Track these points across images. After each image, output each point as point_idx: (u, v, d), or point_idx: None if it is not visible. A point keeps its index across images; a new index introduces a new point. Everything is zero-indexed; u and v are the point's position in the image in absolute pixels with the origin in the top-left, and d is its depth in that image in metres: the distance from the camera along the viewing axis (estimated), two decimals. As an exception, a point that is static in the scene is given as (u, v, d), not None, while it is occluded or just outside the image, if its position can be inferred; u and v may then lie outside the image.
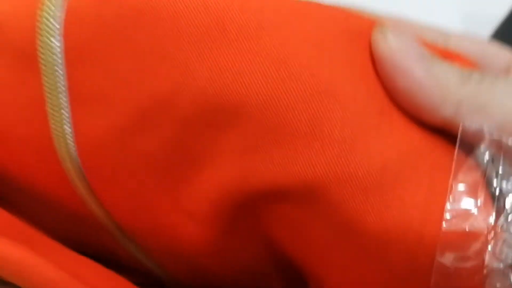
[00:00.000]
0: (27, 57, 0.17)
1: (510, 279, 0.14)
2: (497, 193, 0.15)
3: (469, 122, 0.16)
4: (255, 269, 0.21)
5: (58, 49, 0.17)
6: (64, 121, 0.18)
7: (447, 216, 0.15)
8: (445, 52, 0.18)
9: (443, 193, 0.16)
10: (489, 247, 0.15)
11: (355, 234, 0.16)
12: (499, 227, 0.15)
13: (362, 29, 0.17)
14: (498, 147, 0.16)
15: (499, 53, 0.21)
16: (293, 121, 0.16)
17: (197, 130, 0.17)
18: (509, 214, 0.15)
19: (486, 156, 0.16)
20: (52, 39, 0.17)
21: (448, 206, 0.16)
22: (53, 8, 0.17)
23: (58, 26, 0.17)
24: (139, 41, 0.16)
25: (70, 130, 0.18)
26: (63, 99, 0.18)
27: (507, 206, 0.15)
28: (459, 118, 0.16)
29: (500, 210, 0.15)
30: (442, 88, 0.16)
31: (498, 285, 0.14)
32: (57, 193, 0.20)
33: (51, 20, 0.17)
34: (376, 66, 0.17)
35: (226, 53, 0.16)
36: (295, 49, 0.16)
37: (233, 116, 0.16)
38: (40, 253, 0.18)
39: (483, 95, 0.16)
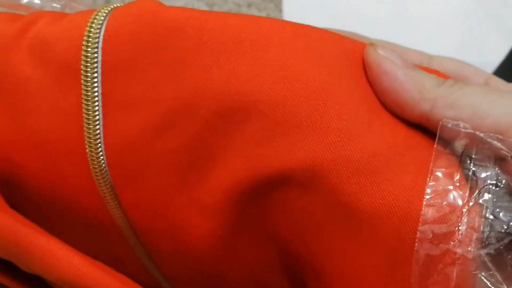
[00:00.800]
0: (71, 69, 0.20)
1: (483, 245, 0.16)
2: (470, 173, 0.18)
3: (446, 120, 0.19)
4: (260, 276, 0.23)
5: (97, 61, 0.20)
6: (97, 124, 0.20)
7: (428, 195, 0.18)
8: (426, 69, 0.21)
9: (426, 177, 0.18)
10: (464, 218, 0.17)
11: (351, 213, 0.19)
12: (473, 201, 0.17)
13: (355, 48, 0.21)
14: (472, 139, 0.19)
15: (476, 71, 0.24)
16: (297, 115, 0.19)
17: (216, 127, 0.20)
18: (481, 190, 0.17)
19: (462, 146, 0.19)
20: (93, 52, 0.20)
21: (428, 187, 0.18)
22: (95, 27, 0.20)
23: (98, 42, 0.20)
24: (167, 53, 0.20)
25: (101, 132, 0.21)
26: (98, 105, 0.20)
27: (479, 184, 0.17)
28: (435, 112, 0.19)
29: (473, 188, 0.17)
30: (420, 88, 0.19)
31: (470, 248, 0.16)
32: (80, 196, 0.22)
33: (93, 37, 0.20)
34: (367, 71, 0.20)
35: (241, 62, 0.19)
36: (299, 59, 0.19)
37: (246, 113, 0.19)
38: (63, 244, 0.19)
39: (455, 93, 0.19)
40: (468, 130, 0.19)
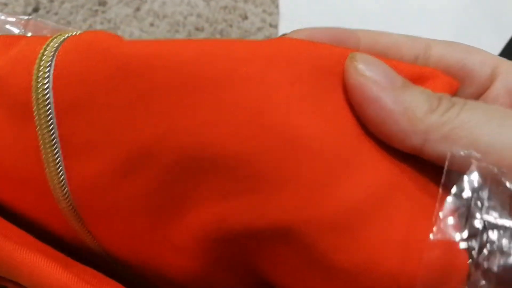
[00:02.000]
0: (23, 110, 0.18)
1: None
2: (480, 225, 0.15)
3: (457, 148, 0.16)
4: None
5: (50, 103, 0.18)
6: (58, 167, 0.19)
7: (429, 248, 0.15)
8: (420, 73, 0.18)
9: (422, 227, 0.15)
10: (470, 281, 0.14)
11: (328, 270, 0.16)
12: (481, 260, 0.14)
13: (333, 63, 0.18)
14: (485, 174, 0.15)
15: (483, 59, 0.20)
16: (264, 170, 0.16)
17: (179, 176, 0.18)
18: (492, 247, 0.14)
19: (471, 186, 0.16)
20: (44, 94, 0.18)
21: (431, 237, 0.15)
22: (44, 64, 0.18)
23: (48, 82, 0.18)
24: (121, 95, 0.17)
25: (63, 175, 0.19)
26: (56, 148, 0.19)
27: (490, 239, 0.14)
28: (427, 147, 0.16)
29: (482, 243, 0.14)
30: (410, 117, 0.16)
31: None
32: (54, 227, 0.21)
33: (43, 76, 0.18)
34: (348, 94, 0.17)
35: (201, 105, 0.17)
36: (264, 100, 0.17)
37: (210, 165, 0.17)
38: (51, 258, 0.19)
39: (450, 123, 0.16)
40: (482, 164, 0.16)
